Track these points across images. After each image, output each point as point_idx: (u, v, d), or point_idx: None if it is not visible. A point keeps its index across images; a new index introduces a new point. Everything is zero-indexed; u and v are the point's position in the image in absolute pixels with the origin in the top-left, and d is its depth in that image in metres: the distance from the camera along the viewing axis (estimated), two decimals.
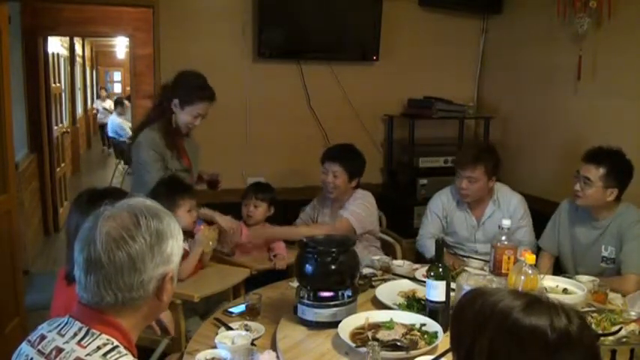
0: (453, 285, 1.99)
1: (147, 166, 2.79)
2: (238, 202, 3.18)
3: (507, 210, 2.91)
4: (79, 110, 10.85)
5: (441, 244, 1.99)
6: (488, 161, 2.88)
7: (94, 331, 1.17)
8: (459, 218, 3.01)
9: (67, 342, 1.16)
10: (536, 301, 1.02)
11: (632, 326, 1.81)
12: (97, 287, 1.17)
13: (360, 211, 3.06)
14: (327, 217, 3.21)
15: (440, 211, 3.06)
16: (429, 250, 2.98)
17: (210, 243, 2.64)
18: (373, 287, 2.29)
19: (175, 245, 1.24)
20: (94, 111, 13.35)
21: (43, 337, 1.21)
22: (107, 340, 1.15)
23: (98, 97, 13.55)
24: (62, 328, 1.20)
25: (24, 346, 1.23)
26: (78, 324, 1.19)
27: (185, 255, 2.43)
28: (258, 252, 3.06)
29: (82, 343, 1.15)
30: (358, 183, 3.19)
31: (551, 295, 1.65)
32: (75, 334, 1.17)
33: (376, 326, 1.85)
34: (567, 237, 2.77)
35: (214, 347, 1.83)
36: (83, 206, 1.77)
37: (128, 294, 1.18)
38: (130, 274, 1.17)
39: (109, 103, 12.17)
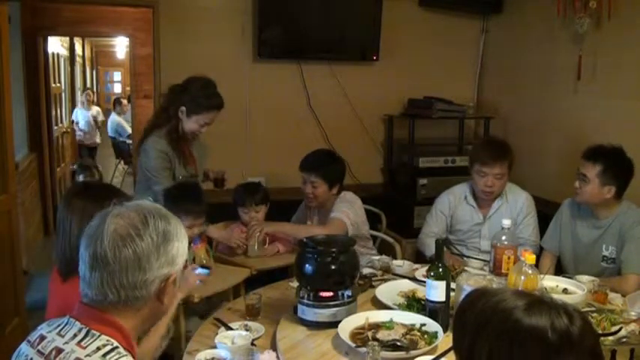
0: (453, 285, 1.99)
1: (156, 174, 2.76)
2: None
3: (515, 204, 2.93)
4: None
5: (441, 244, 1.98)
6: (510, 155, 2.92)
7: (94, 331, 1.17)
8: (465, 215, 3.02)
9: (66, 342, 1.16)
10: (538, 302, 1.01)
11: (632, 326, 1.81)
12: (100, 284, 1.18)
13: (351, 213, 2.96)
14: (316, 224, 3.11)
15: (446, 210, 3.06)
16: (430, 248, 2.98)
17: (204, 261, 2.64)
18: (373, 287, 2.29)
19: (181, 247, 1.25)
20: (74, 125, 8.42)
21: (42, 338, 1.21)
22: (107, 340, 1.16)
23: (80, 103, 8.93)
24: (62, 328, 1.20)
25: (24, 347, 1.23)
26: (78, 324, 1.19)
27: None
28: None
29: (82, 343, 1.15)
30: (340, 188, 3.07)
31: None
32: (75, 335, 1.17)
33: (376, 326, 1.85)
34: (569, 236, 2.77)
35: (214, 347, 1.83)
36: (69, 199, 1.80)
37: (131, 292, 1.18)
38: (135, 272, 1.18)
39: (97, 112, 8.88)
